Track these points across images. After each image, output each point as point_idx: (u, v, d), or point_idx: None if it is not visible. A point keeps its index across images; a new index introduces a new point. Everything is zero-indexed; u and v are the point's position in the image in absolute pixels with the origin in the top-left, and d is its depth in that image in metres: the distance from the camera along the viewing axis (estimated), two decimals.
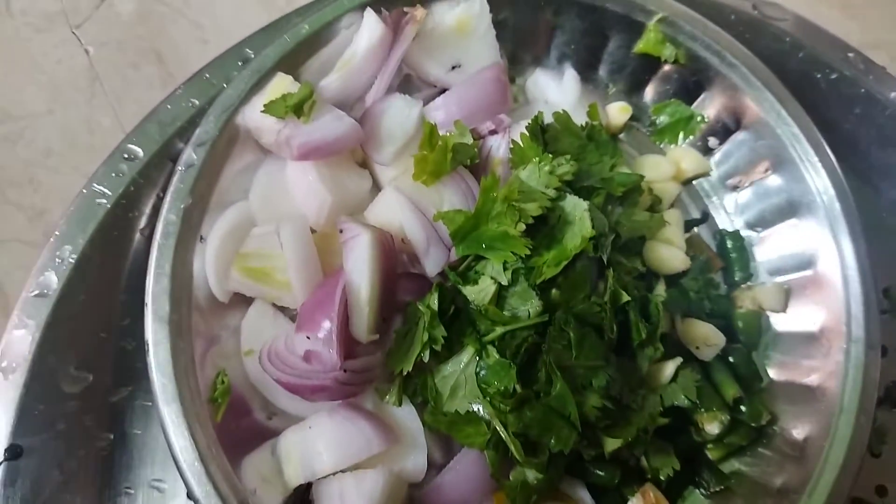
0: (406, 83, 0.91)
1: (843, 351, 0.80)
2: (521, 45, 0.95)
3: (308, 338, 0.71)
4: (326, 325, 0.70)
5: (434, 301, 0.74)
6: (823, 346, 0.83)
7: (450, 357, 0.76)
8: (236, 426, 0.76)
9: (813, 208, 0.85)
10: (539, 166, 0.76)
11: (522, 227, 0.73)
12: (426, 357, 0.73)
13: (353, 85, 0.84)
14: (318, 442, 0.72)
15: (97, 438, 0.77)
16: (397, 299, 0.78)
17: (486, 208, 0.75)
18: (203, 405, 0.73)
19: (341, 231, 0.73)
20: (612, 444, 0.75)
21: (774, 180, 0.89)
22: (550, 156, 0.78)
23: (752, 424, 0.83)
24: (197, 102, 0.83)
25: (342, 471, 0.72)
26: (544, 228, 0.77)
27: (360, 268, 0.72)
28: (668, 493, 0.81)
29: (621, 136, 0.97)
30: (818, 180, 0.85)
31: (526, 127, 0.80)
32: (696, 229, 0.94)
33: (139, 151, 0.80)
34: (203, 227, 0.78)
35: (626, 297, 0.76)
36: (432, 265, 0.76)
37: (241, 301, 0.79)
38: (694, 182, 0.96)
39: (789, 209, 0.88)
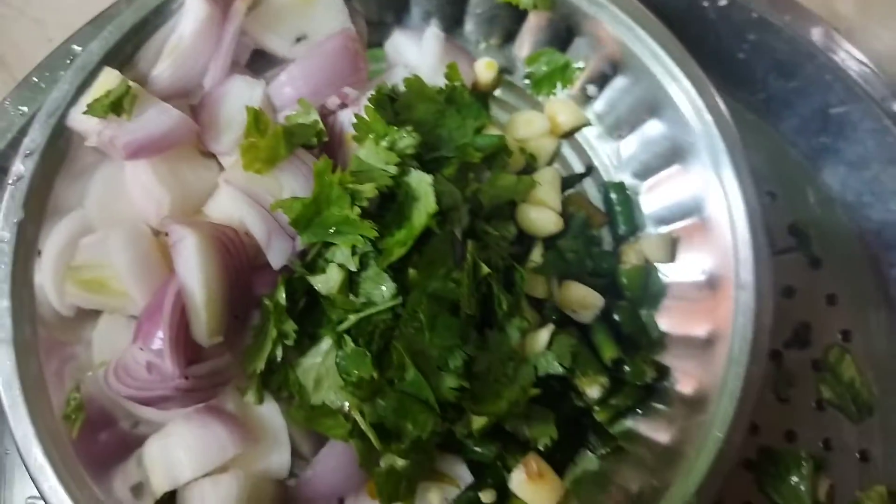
0: (259, 58, 0.85)
1: (733, 299, 0.75)
2: (381, 5, 0.87)
3: (141, 349, 0.67)
4: (159, 335, 0.66)
5: (281, 295, 0.70)
6: (713, 294, 0.78)
7: (310, 349, 0.73)
8: (100, 439, 0.73)
9: (696, 151, 0.79)
10: (377, 143, 0.70)
11: (358, 210, 0.67)
12: (279, 354, 0.70)
13: (188, 71, 0.78)
14: (178, 449, 0.71)
15: None
16: (254, 294, 0.74)
17: (325, 193, 0.70)
18: (58, 423, 0.71)
19: (167, 234, 0.69)
20: (478, 422, 0.71)
21: (656, 126, 0.83)
22: (395, 128, 0.72)
23: (637, 384, 0.79)
24: (26, 110, 0.78)
25: (203, 475, 0.70)
26: (393, 206, 0.71)
27: (190, 271, 0.68)
28: (558, 458, 0.78)
29: (497, 92, 0.90)
30: (700, 121, 0.78)
31: (369, 98, 0.74)
32: (580, 184, 0.87)
33: None
34: (40, 240, 0.74)
35: (485, 270, 0.71)
36: (276, 257, 0.72)
37: (94, 311, 0.76)
38: (577, 135, 0.88)
39: (673, 155, 0.82)
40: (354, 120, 0.77)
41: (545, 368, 0.74)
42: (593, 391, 0.77)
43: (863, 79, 0.84)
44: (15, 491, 0.78)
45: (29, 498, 0.77)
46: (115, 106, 0.71)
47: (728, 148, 0.77)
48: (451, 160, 0.74)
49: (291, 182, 0.72)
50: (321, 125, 0.76)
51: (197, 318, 0.68)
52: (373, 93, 0.75)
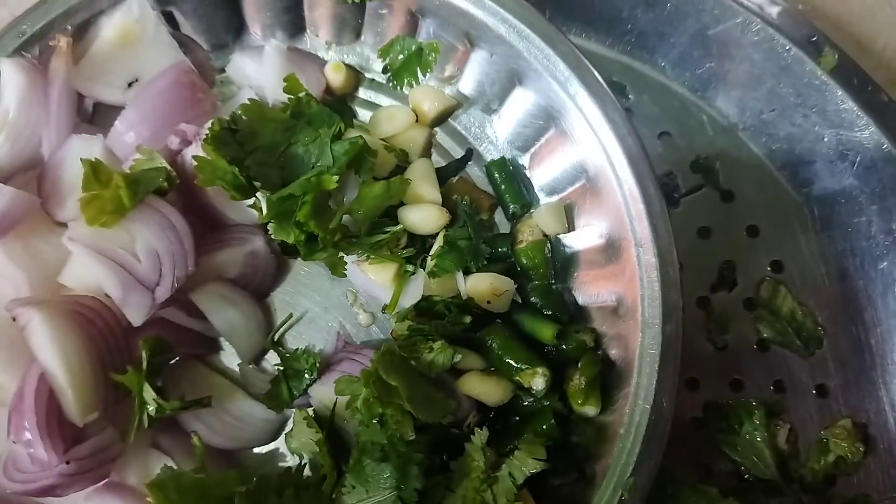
0: (103, 109, 0.86)
1: (634, 258, 0.76)
2: (215, 29, 0.89)
3: (14, 442, 0.69)
4: (26, 425, 0.68)
5: (142, 361, 0.71)
6: (615, 257, 0.79)
7: None
8: None
9: (566, 111, 0.80)
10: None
11: None
12: (145, 424, 0.70)
13: (25, 143, 0.81)
14: None
15: None
16: (134, 357, 0.76)
17: None
18: None
19: (14, 319, 0.71)
20: None
21: (524, 94, 0.83)
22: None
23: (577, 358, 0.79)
24: None
25: None
26: None
27: (46, 351, 0.70)
28: None
29: (365, 95, 0.91)
30: (564, 80, 0.79)
31: (206, 136, 0.75)
32: (464, 170, 0.88)
33: None
34: None
35: None
36: (135, 314, 0.73)
37: None
38: (454, 120, 0.89)
39: (547, 119, 0.83)
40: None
41: (524, 474, 0.70)
42: (538, 383, 0.76)
43: None
44: None
45: None
46: None
47: (597, 102, 0.78)
48: (305, 200, 0.74)
49: (144, 232, 0.74)
50: (168, 168, 0.77)
51: (65, 398, 0.70)
52: (208, 127, 0.76)
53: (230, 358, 0.84)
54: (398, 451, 0.68)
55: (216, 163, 0.75)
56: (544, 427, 0.75)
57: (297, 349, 0.82)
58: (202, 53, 0.89)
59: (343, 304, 0.85)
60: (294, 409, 0.79)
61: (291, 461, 0.81)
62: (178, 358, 0.81)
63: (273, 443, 0.82)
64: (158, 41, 0.83)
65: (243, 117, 0.78)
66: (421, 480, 0.67)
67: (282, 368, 0.81)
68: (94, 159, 0.73)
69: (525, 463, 0.69)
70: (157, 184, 0.76)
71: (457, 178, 0.88)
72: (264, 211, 0.76)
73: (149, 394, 0.71)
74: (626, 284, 0.77)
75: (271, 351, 0.83)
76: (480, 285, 0.79)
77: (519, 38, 0.80)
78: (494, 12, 0.80)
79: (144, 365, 0.72)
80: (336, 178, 0.75)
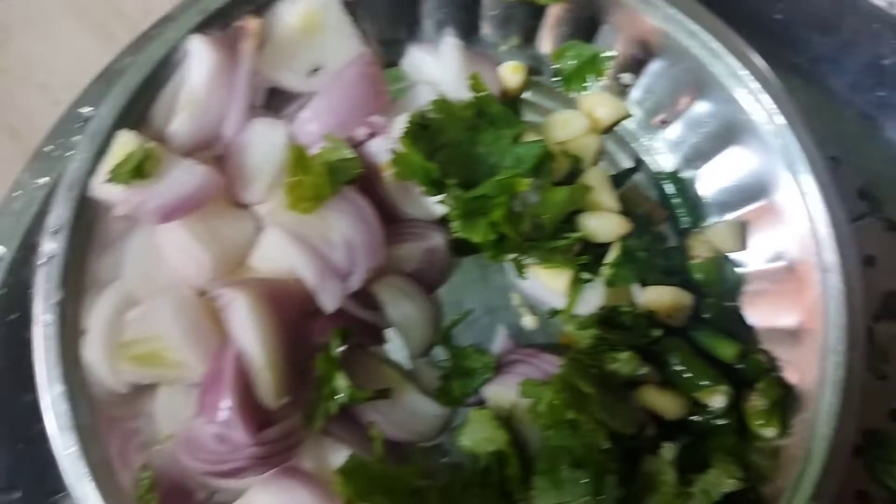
0: (273, 96, 0.87)
1: (819, 283, 0.76)
2: (391, 22, 0.90)
3: (207, 423, 0.69)
4: (223, 404, 0.69)
5: (334, 349, 0.72)
6: (795, 280, 0.79)
7: None
8: None
9: (751, 129, 0.81)
10: None
11: None
12: (333, 409, 0.71)
13: (206, 122, 0.81)
14: None
15: None
16: (313, 343, 0.76)
17: None
18: None
19: (213, 298, 0.71)
20: None
21: (703, 107, 0.85)
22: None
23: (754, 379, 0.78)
24: (46, 180, 0.80)
25: None
26: None
27: (247, 334, 0.70)
28: None
29: (527, 95, 0.92)
30: (750, 96, 0.80)
31: (404, 132, 0.76)
32: (631, 180, 0.89)
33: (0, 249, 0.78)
34: (85, 317, 0.76)
35: None
36: (329, 301, 0.74)
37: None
38: (618, 128, 0.90)
39: (726, 135, 0.83)
40: (387, 149, 0.80)
41: (719, 492, 0.70)
42: (717, 401, 0.77)
43: None
44: None
45: None
46: (138, 171, 0.73)
47: (788, 120, 0.78)
48: (501, 202, 0.74)
49: (340, 221, 0.75)
50: (359, 159, 0.78)
51: (261, 381, 0.70)
52: (406, 123, 0.77)
53: (394, 350, 0.84)
54: (594, 458, 0.69)
55: (411, 157, 0.76)
56: (729, 445, 0.76)
57: (466, 346, 0.83)
58: (374, 46, 0.89)
59: (504, 305, 0.86)
60: (462, 407, 0.81)
61: (451, 457, 0.82)
62: (346, 347, 0.82)
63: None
64: (342, 31, 0.84)
65: (432, 114, 0.79)
66: (620, 490, 0.68)
67: (451, 365, 0.82)
68: (299, 145, 0.74)
69: (720, 481, 0.70)
70: (351, 174, 0.77)
71: (627, 187, 0.89)
72: (451, 208, 0.77)
73: (341, 382, 0.72)
74: (807, 309, 0.76)
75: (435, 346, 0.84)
76: (663, 298, 0.80)
77: (704, 50, 0.81)
78: (678, 22, 0.81)
79: (336, 353, 0.72)
80: (529, 181, 0.76)
